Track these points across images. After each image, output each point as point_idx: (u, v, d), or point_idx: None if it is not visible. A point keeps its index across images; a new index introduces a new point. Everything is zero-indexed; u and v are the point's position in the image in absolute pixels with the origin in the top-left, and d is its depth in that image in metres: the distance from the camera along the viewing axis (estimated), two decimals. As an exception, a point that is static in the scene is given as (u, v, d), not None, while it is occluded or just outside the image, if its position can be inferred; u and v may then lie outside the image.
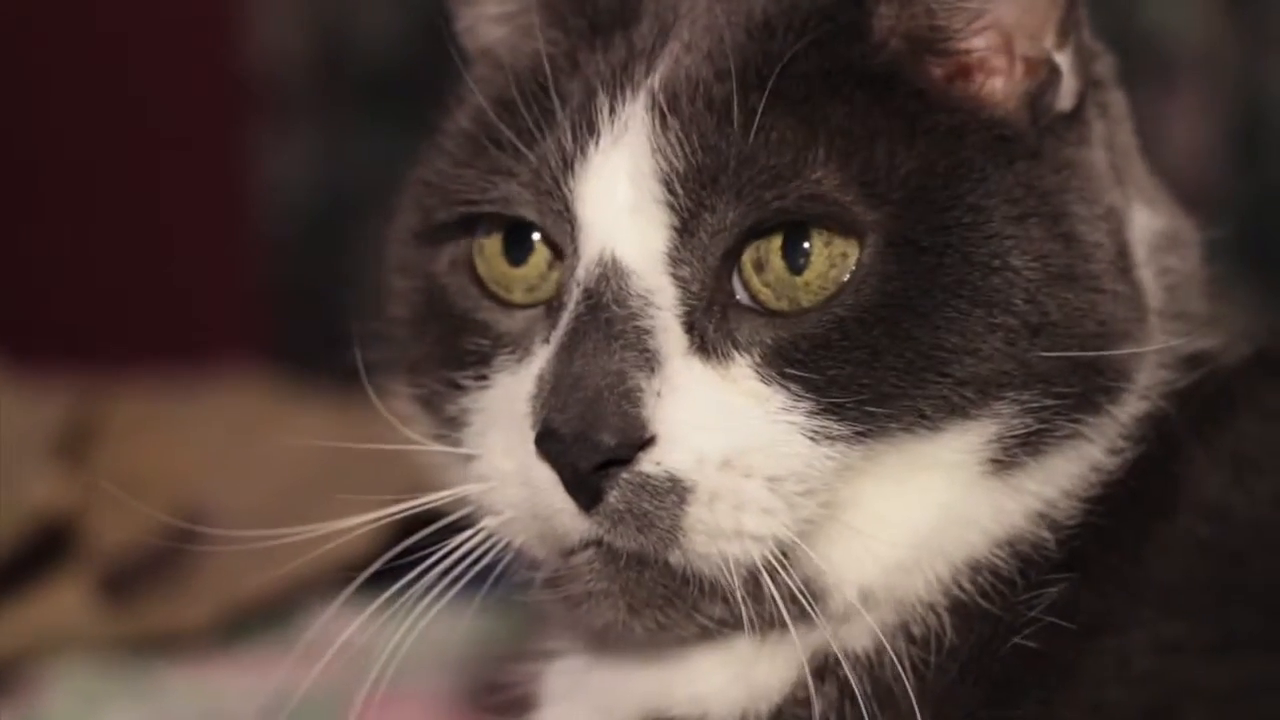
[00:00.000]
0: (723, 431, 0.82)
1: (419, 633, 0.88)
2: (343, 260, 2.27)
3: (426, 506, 0.89)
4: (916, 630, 0.85)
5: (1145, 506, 0.84)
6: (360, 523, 0.91)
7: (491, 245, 0.89)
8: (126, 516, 1.46)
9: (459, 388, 0.89)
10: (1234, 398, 0.86)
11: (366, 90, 2.44)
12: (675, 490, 0.81)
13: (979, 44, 0.87)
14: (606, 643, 0.90)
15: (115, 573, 1.50)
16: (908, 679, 0.83)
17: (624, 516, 0.82)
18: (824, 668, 0.86)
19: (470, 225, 0.90)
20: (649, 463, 0.81)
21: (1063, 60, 0.88)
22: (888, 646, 0.84)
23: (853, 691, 0.84)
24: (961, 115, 0.86)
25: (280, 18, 2.48)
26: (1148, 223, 0.92)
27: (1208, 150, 2.09)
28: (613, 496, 0.82)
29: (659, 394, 0.82)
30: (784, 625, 0.84)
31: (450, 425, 0.90)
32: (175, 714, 1.33)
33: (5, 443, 1.61)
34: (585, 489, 0.82)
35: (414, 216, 0.93)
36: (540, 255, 0.88)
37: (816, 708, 0.85)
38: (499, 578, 0.89)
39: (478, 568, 0.87)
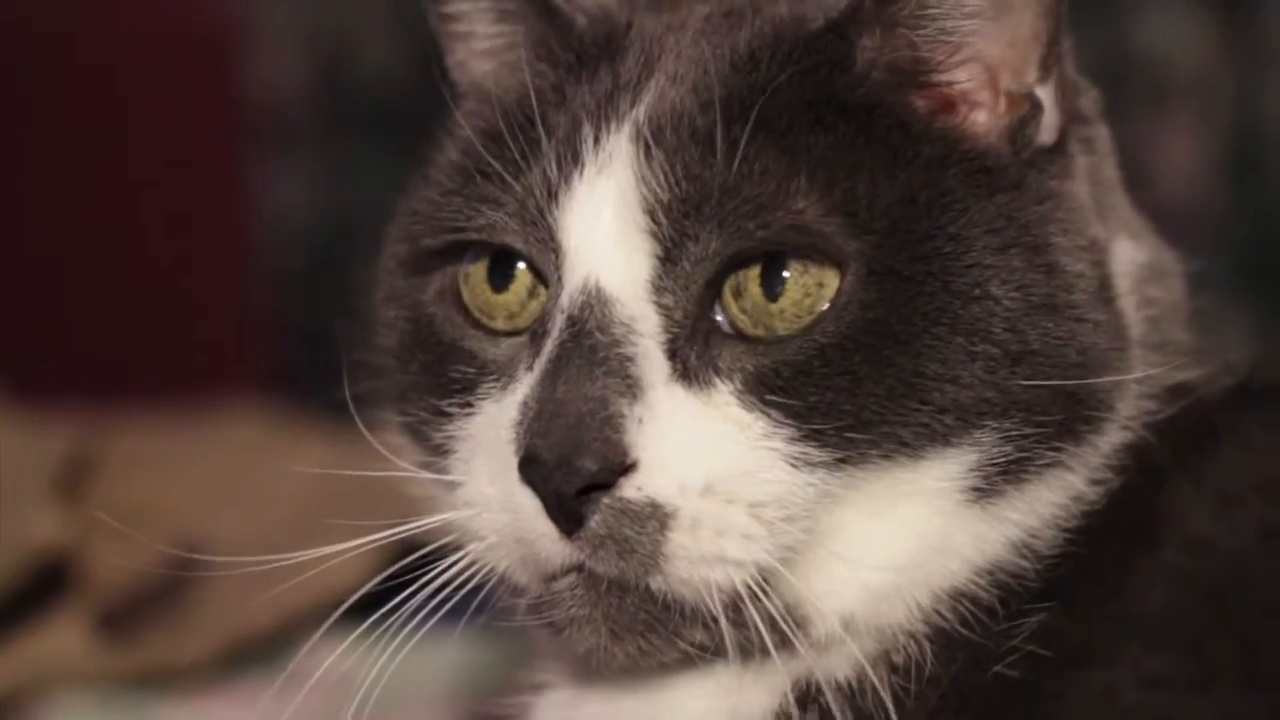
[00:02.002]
0: (704, 457, 0.82)
1: (407, 663, 0.88)
2: (344, 291, 2.28)
3: (412, 533, 0.90)
4: (897, 658, 0.85)
5: (1128, 538, 0.84)
6: (350, 547, 0.92)
7: (477, 272, 0.90)
8: (126, 551, 1.46)
9: (445, 415, 0.89)
10: (1216, 429, 0.86)
11: (368, 122, 2.45)
12: (656, 516, 0.82)
13: (960, 77, 0.88)
14: (593, 675, 0.90)
15: (115, 608, 1.50)
16: (889, 707, 0.83)
17: (605, 542, 0.82)
18: (806, 696, 0.86)
19: (457, 254, 0.91)
20: (630, 488, 0.82)
21: (1044, 95, 0.89)
22: (869, 675, 0.84)
23: None
24: (943, 146, 0.87)
25: (283, 50, 2.50)
26: (1131, 255, 0.92)
27: (1202, 173, 2.09)
28: (594, 521, 0.82)
29: (641, 420, 0.82)
30: (766, 652, 0.84)
31: (437, 453, 0.90)
32: (173, 748, 1.33)
33: (5, 477, 1.61)
34: (567, 514, 0.82)
35: (402, 246, 0.94)
36: (521, 283, 0.89)
37: None
38: (484, 606, 0.90)
39: (461, 594, 0.88)
